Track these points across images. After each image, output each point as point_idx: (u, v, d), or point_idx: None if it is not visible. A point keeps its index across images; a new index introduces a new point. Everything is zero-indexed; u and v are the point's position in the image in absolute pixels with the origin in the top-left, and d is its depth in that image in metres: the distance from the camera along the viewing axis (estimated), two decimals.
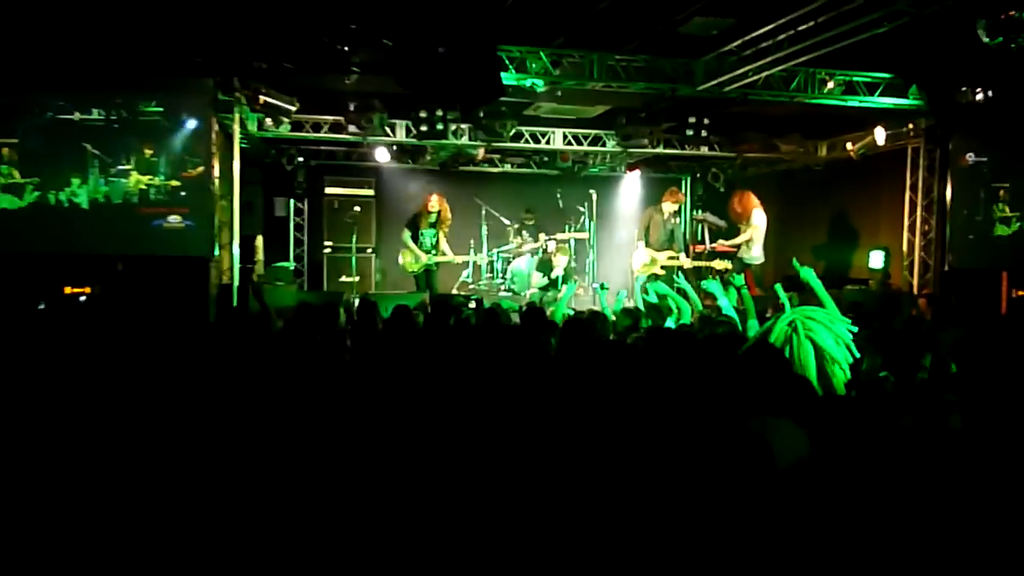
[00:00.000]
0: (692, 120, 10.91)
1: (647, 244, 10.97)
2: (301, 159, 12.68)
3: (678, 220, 11.39)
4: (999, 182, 11.25)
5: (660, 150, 11.98)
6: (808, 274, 4.88)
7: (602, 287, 7.92)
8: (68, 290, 9.16)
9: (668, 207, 11.02)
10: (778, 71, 8.96)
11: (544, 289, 11.26)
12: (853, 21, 7.08)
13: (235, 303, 9.15)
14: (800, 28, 7.70)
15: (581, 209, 12.97)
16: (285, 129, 11.05)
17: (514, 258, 12.31)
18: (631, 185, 13.87)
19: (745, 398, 3.50)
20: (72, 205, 9.19)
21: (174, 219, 9.40)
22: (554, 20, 8.18)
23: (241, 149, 10.17)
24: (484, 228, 12.86)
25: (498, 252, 12.48)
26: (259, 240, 10.60)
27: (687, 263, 10.84)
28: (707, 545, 1.96)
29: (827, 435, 2.91)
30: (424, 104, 10.63)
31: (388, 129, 11.36)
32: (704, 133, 11.08)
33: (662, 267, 10.67)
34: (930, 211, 11.16)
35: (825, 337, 4.40)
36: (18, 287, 8.70)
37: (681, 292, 6.34)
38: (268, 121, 10.90)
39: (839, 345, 4.37)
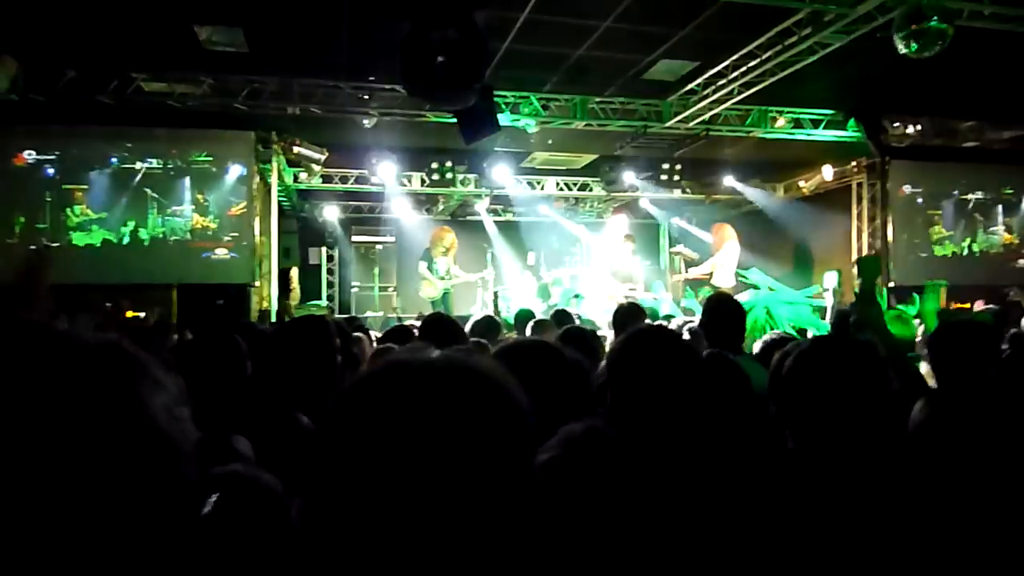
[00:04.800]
0: (666, 167, 11.08)
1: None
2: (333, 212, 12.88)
3: (637, 258, 11.28)
4: (933, 210, 11.35)
5: (639, 194, 12.12)
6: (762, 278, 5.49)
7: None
8: (130, 314, 9.19)
9: (626, 247, 10.98)
10: (735, 109, 9.14)
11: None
12: (790, 51, 7.29)
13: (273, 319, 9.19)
14: (750, 64, 7.90)
15: (573, 250, 13.04)
16: (317, 180, 11.29)
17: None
18: (616, 229, 13.90)
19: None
20: (135, 241, 9.34)
21: (221, 251, 9.53)
22: (542, 69, 8.44)
23: (280, 203, 10.35)
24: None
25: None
26: (294, 271, 10.66)
27: (634, 295, 10.63)
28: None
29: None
30: (436, 157, 10.86)
31: (405, 180, 11.61)
32: (677, 178, 11.23)
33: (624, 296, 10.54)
34: (875, 236, 11.20)
35: (783, 310, 4.83)
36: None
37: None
38: (304, 175, 11.17)
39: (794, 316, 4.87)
